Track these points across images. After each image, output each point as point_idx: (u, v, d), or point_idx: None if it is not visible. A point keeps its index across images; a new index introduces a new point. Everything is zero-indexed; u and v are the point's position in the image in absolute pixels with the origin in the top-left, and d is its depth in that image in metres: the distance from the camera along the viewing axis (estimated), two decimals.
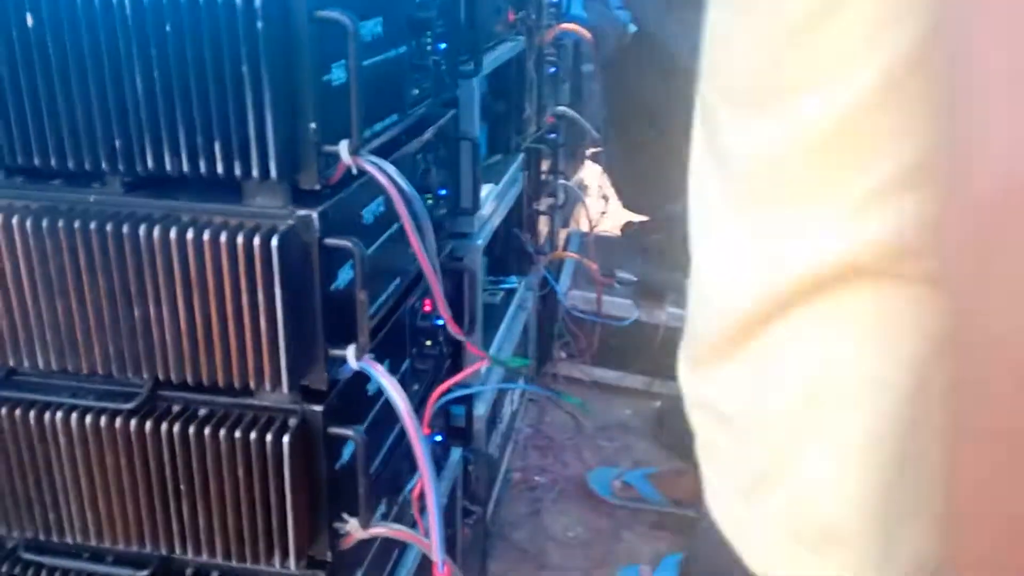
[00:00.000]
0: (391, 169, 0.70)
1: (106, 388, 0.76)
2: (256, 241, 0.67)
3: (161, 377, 0.73)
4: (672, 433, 1.84)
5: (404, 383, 1.01)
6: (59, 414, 0.75)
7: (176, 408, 0.75)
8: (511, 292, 1.88)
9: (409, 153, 0.96)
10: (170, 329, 0.70)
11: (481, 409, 1.43)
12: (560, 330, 2.12)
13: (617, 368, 2.14)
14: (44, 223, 0.70)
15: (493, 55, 1.50)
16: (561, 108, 2.03)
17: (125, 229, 0.69)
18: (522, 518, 1.67)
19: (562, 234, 2.35)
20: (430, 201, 1.03)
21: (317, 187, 0.70)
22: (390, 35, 0.86)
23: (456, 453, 1.32)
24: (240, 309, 0.69)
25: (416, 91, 0.96)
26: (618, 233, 2.43)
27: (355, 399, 0.81)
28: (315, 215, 0.70)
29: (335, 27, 0.67)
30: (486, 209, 1.47)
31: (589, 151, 2.52)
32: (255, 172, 0.66)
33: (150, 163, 0.68)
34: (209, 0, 0.62)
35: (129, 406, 0.74)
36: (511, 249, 1.95)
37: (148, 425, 0.73)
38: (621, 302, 2.09)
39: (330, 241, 0.71)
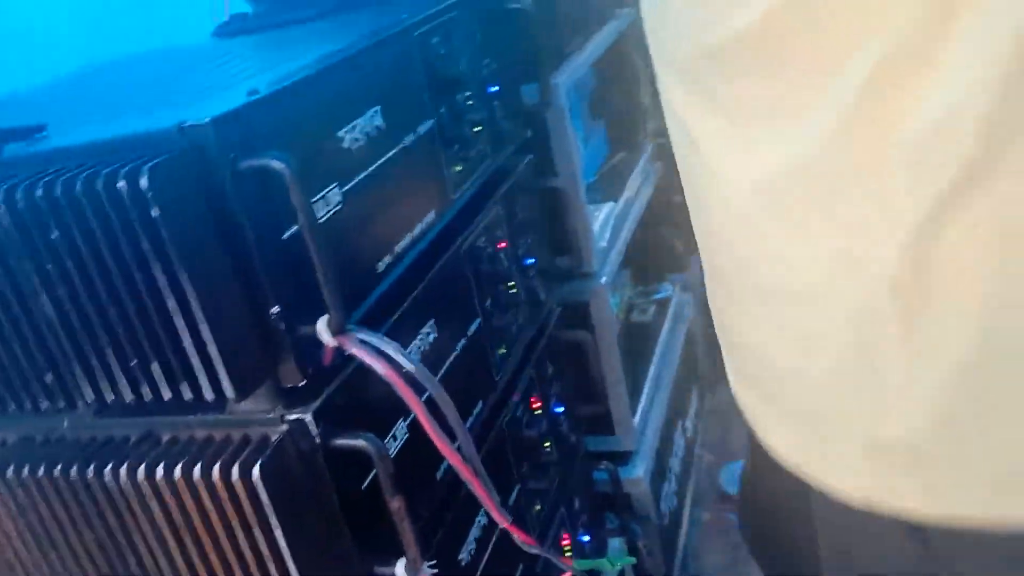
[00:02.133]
0: (391, 348, 0.50)
1: None
2: (235, 476, 0.51)
3: None
4: None
5: (521, 515, 0.83)
6: None
7: None
8: (664, 303, 1.64)
9: (466, 249, 0.76)
10: None
11: (640, 470, 1.22)
12: None
13: None
14: (24, 472, 0.57)
15: (593, 42, 1.25)
16: None
17: (90, 474, 0.55)
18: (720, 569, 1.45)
19: None
20: (514, 289, 0.83)
21: (301, 383, 0.52)
22: (400, 119, 0.66)
23: (616, 541, 1.12)
24: (241, 552, 0.53)
25: (459, 167, 0.76)
26: None
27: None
28: (309, 418, 0.53)
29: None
30: (606, 233, 1.24)
31: None
32: (207, 394, 0.49)
33: (99, 392, 0.53)
34: (92, 199, 0.45)
35: None
36: (658, 249, 1.70)
37: None
38: None
39: (340, 443, 0.54)
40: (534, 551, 0.60)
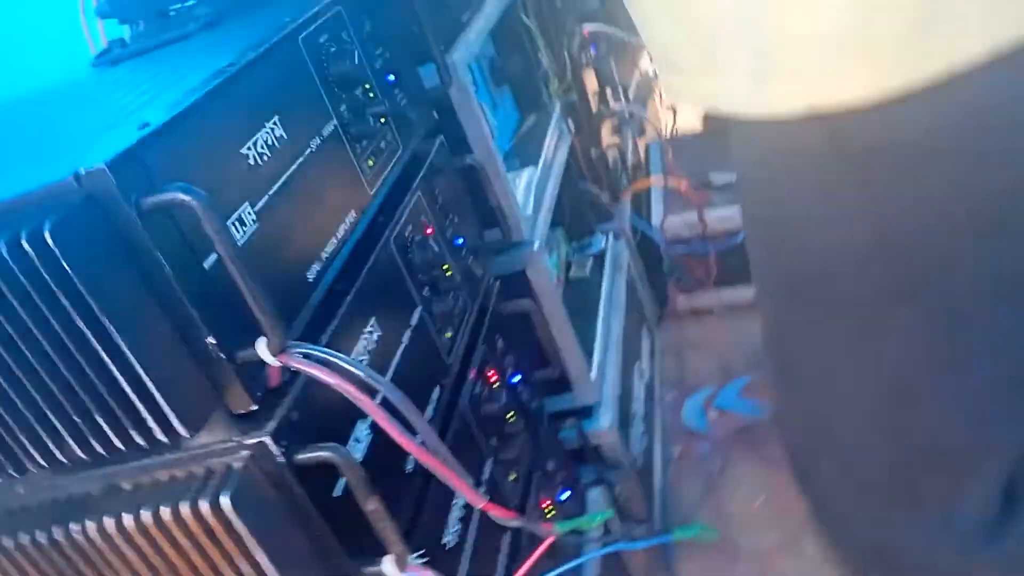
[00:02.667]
0: (334, 357, 0.50)
1: None
2: (205, 510, 0.50)
3: None
4: None
5: (498, 489, 0.84)
6: None
7: None
8: (600, 256, 1.66)
9: (394, 242, 0.76)
10: None
11: (605, 422, 1.24)
12: (669, 268, 1.88)
13: (747, 282, 1.89)
14: None
15: (485, 12, 1.25)
16: (591, 25, 1.75)
17: (59, 536, 0.54)
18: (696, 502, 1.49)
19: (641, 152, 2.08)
20: (449, 272, 0.83)
21: (253, 408, 0.52)
22: (302, 126, 0.65)
23: (595, 492, 1.14)
24: None
25: (371, 162, 0.75)
26: (699, 130, 2.13)
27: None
28: (268, 440, 0.52)
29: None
30: (530, 199, 1.25)
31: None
32: (159, 435, 0.49)
33: (49, 454, 0.52)
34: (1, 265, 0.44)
35: None
36: (583, 205, 1.72)
37: None
38: (726, 213, 1.82)
39: (305, 457, 0.54)
40: (515, 524, 0.61)
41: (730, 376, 1.68)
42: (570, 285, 1.59)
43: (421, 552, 0.64)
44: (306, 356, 0.51)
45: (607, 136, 1.87)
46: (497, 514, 0.57)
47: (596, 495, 1.16)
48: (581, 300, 1.53)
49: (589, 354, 1.35)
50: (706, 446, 1.56)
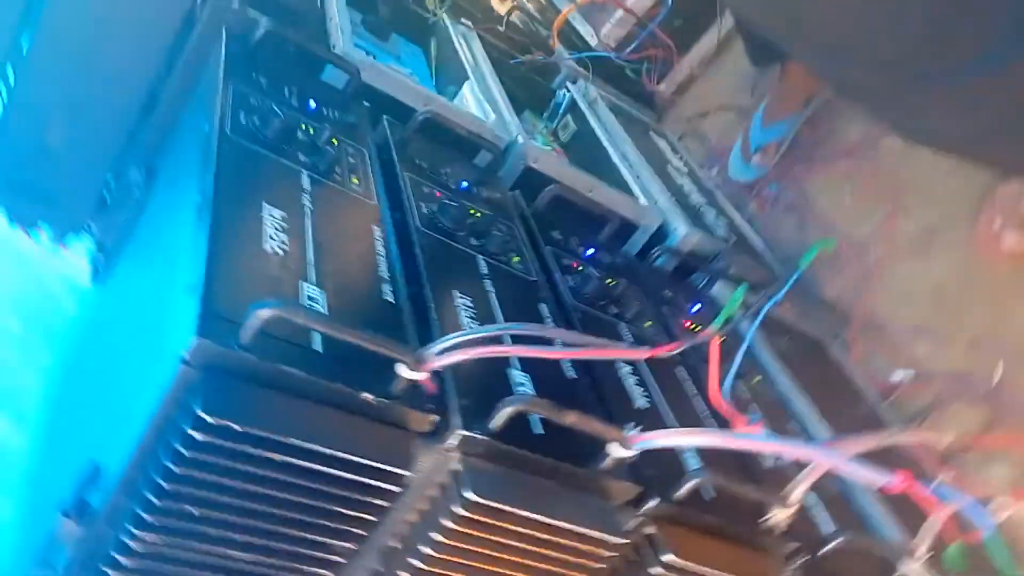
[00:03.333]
0: (463, 336, 0.55)
1: None
2: (462, 511, 0.57)
3: None
4: None
5: (645, 339, 0.89)
6: None
7: None
8: (573, 105, 1.66)
9: (422, 226, 0.80)
10: None
11: (681, 229, 1.28)
12: (636, 69, 1.87)
13: (704, 32, 1.87)
14: None
15: None
16: None
17: None
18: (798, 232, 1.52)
19: None
20: (477, 214, 0.87)
21: (433, 418, 0.57)
22: (287, 195, 0.69)
23: (716, 287, 1.19)
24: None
25: (355, 179, 0.79)
26: None
27: None
28: (463, 432, 0.58)
29: None
30: (486, 107, 1.27)
31: None
32: (392, 487, 0.54)
33: (325, 560, 0.59)
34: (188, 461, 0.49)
35: None
36: (529, 78, 1.72)
37: None
38: None
39: (496, 425, 0.59)
40: (679, 348, 0.65)
41: (745, 115, 1.69)
42: (570, 147, 1.61)
43: (632, 424, 0.69)
44: (440, 353, 0.56)
45: (499, 4, 1.85)
46: (662, 352, 0.62)
47: (719, 288, 1.20)
48: (588, 151, 1.55)
49: (628, 189, 1.39)
50: (772, 186, 1.59)
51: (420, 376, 0.56)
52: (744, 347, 0.63)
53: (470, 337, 0.56)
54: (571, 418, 0.61)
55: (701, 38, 1.88)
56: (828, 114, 1.56)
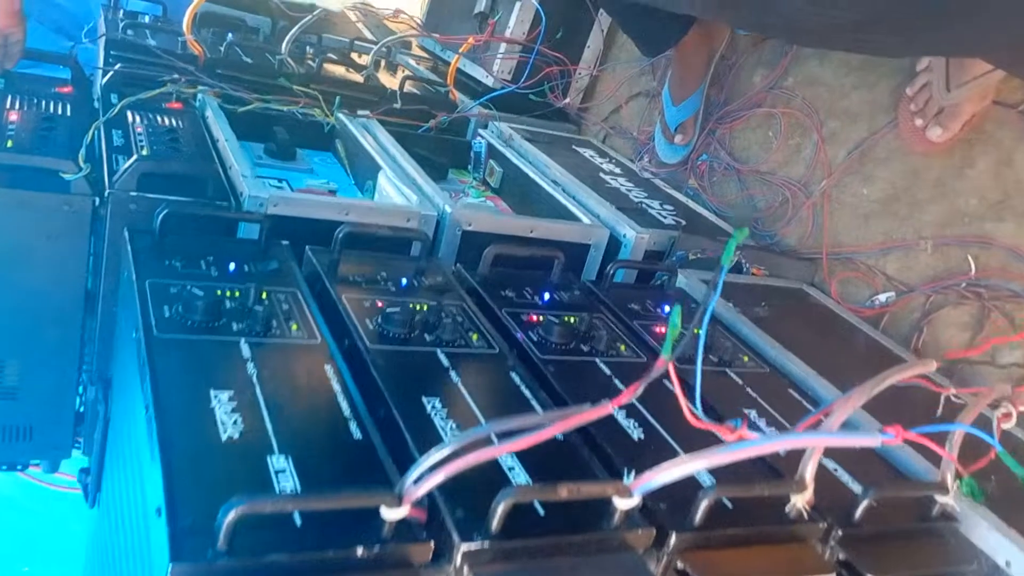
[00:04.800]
0: (438, 454, 0.56)
1: None
2: None
3: None
4: None
5: (624, 365, 0.90)
6: None
7: None
8: (490, 149, 1.68)
9: (376, 357, 0.81)
10: None
11: (631, 235, 1.29)
12: (534, 94, 1.89)
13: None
14: None
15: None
16: None
17: None
18: (737, 191, 1.53)
19: None
20: (422, 307, 0.88)
21: (432, 548, 0.58)
22: (233, 374, 0.70)
23: (681, 277, 1.20)
24: None
25: (295, 326, 0.80)
26: None
27: None
28: (464, 546, 0.58)
29: None
30: (404, 190, 1.28)
31: None
32: None
33: None
34: None
35: None
36: (432, 140, 1.74)
37: None
38: None
39: (495, 525, 0.60)
40: (638, 392, 0.65)
41: (654, 96, 1.71)
42: (503, 190, 1.63)
43: (627, 469, 0.70)
44: (417, 481, 0.56)
45: (391, 81, 1.88)
46: (623, 400, 0.62)
47: (684, 278, 1.21)
48: (521, 189, 1.57)
49: (568, 214, 1.40)
50: (703, 156, 1.60)
51: (404, 512, 0.56)
52: (700, 355, 0.63)
53: (440, 455, 0.56)
54: (563, 492, 0.61)
55: (587, 41, 1.90)
56: (726, 72, 1.58)
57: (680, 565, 0.67)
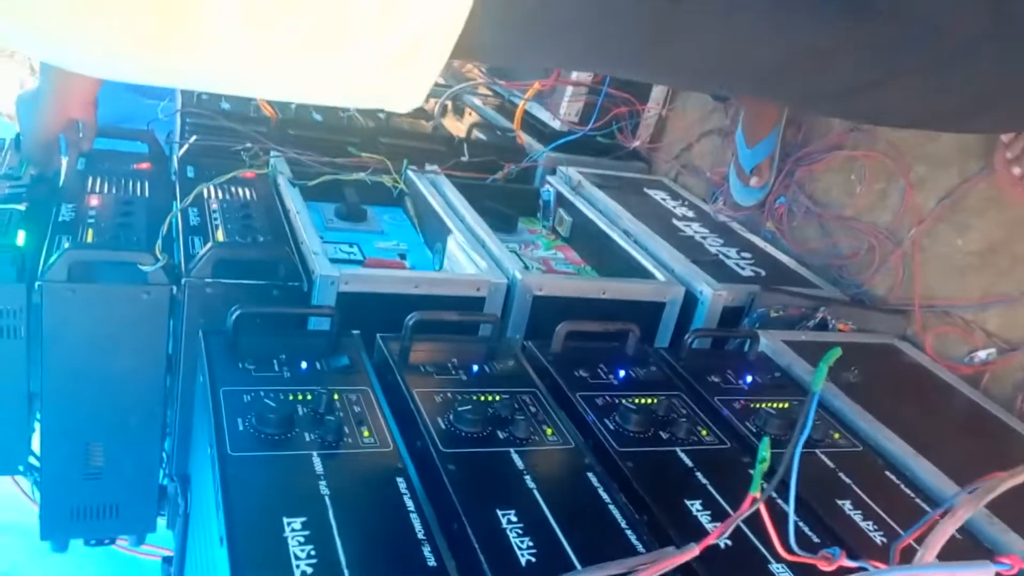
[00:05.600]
0: None
1: None
2: None
3: None
4: None
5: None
6: None
7: None
8: (560, 197, 1.66)
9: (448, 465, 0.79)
10: None
11: (708, 292, 1.25)
12: (608, 132, 1.86)
13: None
14: None
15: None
16: None
17: None
18: (819, 236, 1.47)
19: None
20: (494, 398, 0.86)
21: None
22: (315, 511, 0.69)
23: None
24: None
25: (367, 432, 0.79)
26: None
27: None
28: None
29: None
30: (474, 257, 1.27)
31: None
32: None
33: None
34: None
35: None
36: (505, 192, 1.72)
37: None
38: None
39: None
40: (728, 530, 0.61)
41: (727, 135, 1.66)
42: (573, 239, 1.60)
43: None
44: None
45: (457, 129, 1.87)
46: (711, 541, 0.58)
47: (766, 343, 1.16)
48: (591, 237, 1.54)
49: (640, 269, 1.37)
50: (780, 199, 1.54)
51: None
52: (793, 491, 0.59)
53: None
54: None
55: None
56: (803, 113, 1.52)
57: None
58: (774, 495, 0.55)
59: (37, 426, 1.13)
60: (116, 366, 1.07)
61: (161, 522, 1.23)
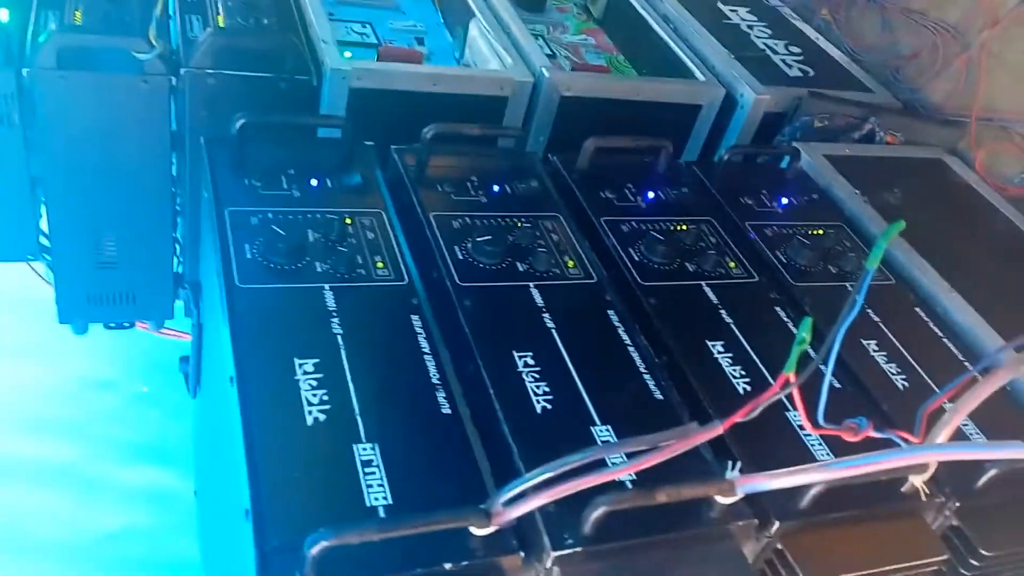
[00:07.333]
0: (533, 479, 0.53)
1: None
2: None
3: None
4: None
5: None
6: None
7: None
8: None
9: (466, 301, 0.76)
10: None
11: (749, 96, 1.15)
12: None
13: None
14: None
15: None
16: None
17: None
18: None
19: None
20: (518, 224, 0.81)
21: (521, 556, 0.56)
22: (320, 346, 0.67)
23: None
24: None
25: (380, 263, 0.75)
26: None
27: None
28: (555, 554, 0.57)
29: None
30: (501, 52, 1.16)
31: None
32: None
33: None
34: None
35: None
36: None
37: None
38: None
39: (587, 531, 0.57)
40: (753, 414, 0.58)
41: None
42: (606, 22, 1.47)
43: (732, 465, 0.65)
44: (508, 504, 0.53)
45: None
46: (736, 420, 0.56)
47: (807, 159, 1.08)
48: (625, 22, 1.42)
49: (678, 64, 1.26)
50: None
51: (492, 530, 0.54)
52: (828, 373, 0.56)
53: (534, 482, 0.53)
54: (662, 497, 0.58)
55: None
56: None
57: (779, 546, 0.64)
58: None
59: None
60: (119, 157, 1.02)
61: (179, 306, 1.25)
